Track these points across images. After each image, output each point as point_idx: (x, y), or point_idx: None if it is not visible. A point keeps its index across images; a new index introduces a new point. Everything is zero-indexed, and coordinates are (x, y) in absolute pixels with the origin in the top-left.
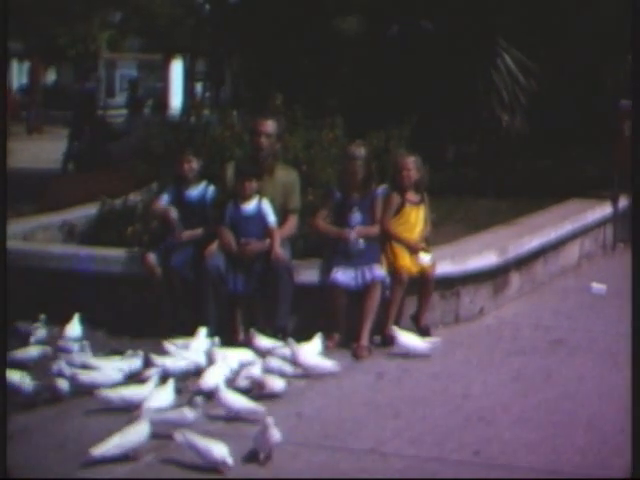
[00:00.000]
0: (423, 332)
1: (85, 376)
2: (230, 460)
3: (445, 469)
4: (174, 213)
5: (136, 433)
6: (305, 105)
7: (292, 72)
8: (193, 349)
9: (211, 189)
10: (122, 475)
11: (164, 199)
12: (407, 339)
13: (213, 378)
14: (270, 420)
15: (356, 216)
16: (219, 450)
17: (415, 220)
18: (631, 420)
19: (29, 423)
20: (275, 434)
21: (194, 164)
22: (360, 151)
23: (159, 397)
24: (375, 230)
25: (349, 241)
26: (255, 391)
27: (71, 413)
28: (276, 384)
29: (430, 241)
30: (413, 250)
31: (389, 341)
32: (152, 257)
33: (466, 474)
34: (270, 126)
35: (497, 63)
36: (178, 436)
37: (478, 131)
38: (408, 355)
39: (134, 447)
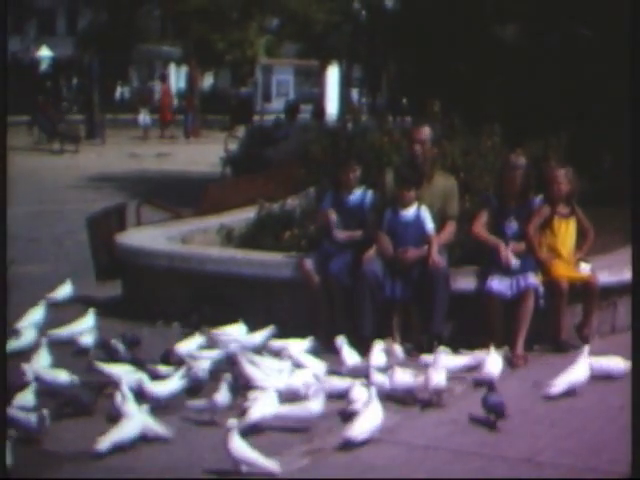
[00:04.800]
0: (583, 342)
1: None
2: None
3: None
4: (334, 215)
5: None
6: (463, 112)
7: (450, 78)
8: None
9: (370, 194)
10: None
11: (326, 204)
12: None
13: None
14: None
15: (512, 225)
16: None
17: (565, 233)
18: (631, 420)
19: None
20: None
21: (358, 172)
22: (521, 160)
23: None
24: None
25: (503, 257)
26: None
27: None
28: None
29: (587, 252)
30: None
31: (564, 348)
32: (309, 263)
33: None
34: (425, 133)
35: None
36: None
37: (637, 140)
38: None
39: None
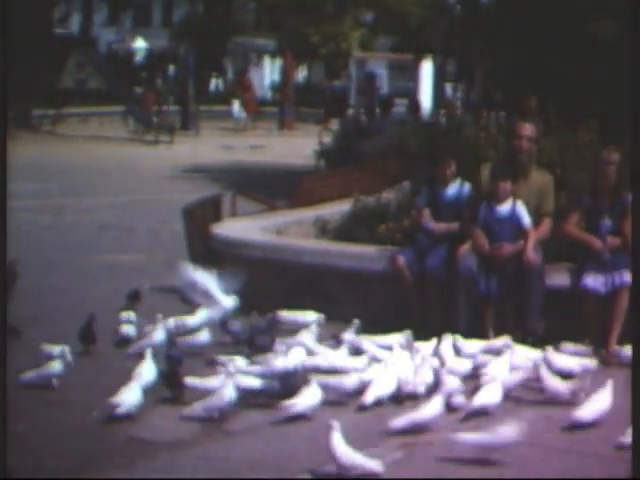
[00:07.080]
0: None
1: None
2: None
3: None
4: (427, 212)
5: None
6: (559, 107)
7: (546, 74)
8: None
9: (466, 187)
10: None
11: (422, 199)
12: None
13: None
14: None
15: (606, 223)
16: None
17: None
18: (632, 420)
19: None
20: None
21: (454, 167)
22: (613, 156)
23: None
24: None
25: (597, 250)
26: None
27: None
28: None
29: None
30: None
31: None
32: (402, 259)
33: None
34: (531, 130)
35: None
36: None
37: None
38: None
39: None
